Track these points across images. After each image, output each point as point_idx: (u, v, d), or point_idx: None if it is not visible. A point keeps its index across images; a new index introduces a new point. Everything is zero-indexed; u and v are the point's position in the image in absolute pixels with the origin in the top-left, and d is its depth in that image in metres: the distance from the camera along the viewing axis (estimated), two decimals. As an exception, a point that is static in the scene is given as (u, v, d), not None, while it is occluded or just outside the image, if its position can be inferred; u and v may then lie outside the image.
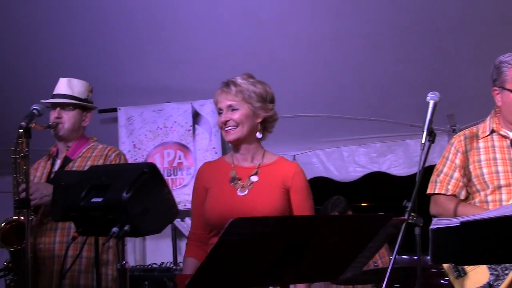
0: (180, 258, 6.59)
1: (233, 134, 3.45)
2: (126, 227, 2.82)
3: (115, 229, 2.83)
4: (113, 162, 4.07)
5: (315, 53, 6.35)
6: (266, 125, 3.55)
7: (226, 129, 3.46)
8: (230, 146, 6.54)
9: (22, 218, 3.86)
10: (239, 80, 3.48)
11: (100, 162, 4.09)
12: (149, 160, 6.81)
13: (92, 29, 6.33)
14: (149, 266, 6.03)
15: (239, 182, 3.46)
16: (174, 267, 6.13)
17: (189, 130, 6.93)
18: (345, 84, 6.60)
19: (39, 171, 4.25)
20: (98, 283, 3.38)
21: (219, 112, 3.49)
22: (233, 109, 3.44)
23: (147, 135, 6.99)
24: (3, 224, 3.90)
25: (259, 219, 2.59)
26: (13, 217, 3.90)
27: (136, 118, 7.05)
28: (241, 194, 3.43)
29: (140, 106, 7.04)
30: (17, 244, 3.85)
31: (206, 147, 6.81)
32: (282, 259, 2.57)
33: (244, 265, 2.54)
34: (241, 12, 6.14)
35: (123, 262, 2.94)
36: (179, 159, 6.88)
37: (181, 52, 6.55)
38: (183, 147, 6.92)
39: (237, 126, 3.44)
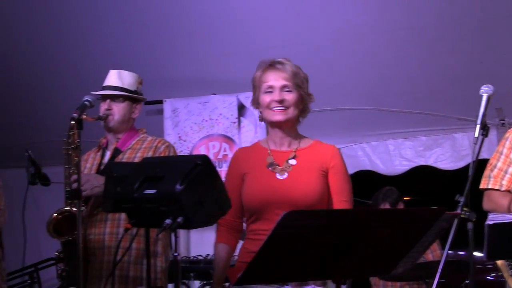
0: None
1: (284, 115, 3.41)
2: (179, 219, 2.82)
3: (168, 221, 2.83)
4: (162, 154, 4.08)
5: (361, 45, 6.31)
6: (302, 114, 3.53)
7: (275, 108, 3.41)
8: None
9: (74, 209, 3.89)
10: (290, 63, 3.48)
11: (150, 154, 4.10)
12: (194, 152, 6.83)
13: (139, 21, 6.37)
14: (195, 258, 6.04)
15: (277, 166, 3.43)
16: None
17: (234, 122, 6.94)
18: (391, 77, 6.54)
19: (89, 162, 4.29)
20: (149, 274, 3.38)
21: (268, 90, 3.44)
22: (288, 90, 3.42)
23: (192, 127, 7.01)
24: (55, 215, 3.93)
25: (312, 212, 2.59)
26: (65, 208, 3.93)
27: (181, 110, 7.07)
28: (281, 178, 3.40)
29: (185, 98, 7.06)
30: (69, 235, 3.89)
31: (251, 139, 6.79)
32: (334, 253, 2.55)
33: (296, 259, 2.53)
34: (288, 4, 6.12)
35: (175, 254, 2.96)
36: (224, 151, 6.88)
37: (227, 44, 6.55)
38: (228, 139, 6.92)
39: (287, 108, 3.41)
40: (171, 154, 4.13)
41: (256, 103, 3.52)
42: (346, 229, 2.50)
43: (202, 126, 7.00)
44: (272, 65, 3.49)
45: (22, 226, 3.98)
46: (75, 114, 3.74)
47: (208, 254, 6.15)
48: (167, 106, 7.04)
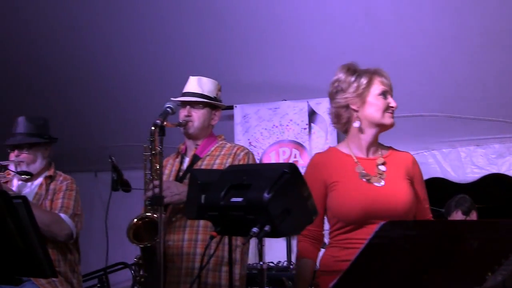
0: (293, 257, 6.57)
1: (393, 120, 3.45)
2: (267, 228, 2.80)
3: (255, 229, 2.81)
4: (241, 161, 4.07)
5: (433, 51, 6.25)
6: None
7: (390, 112, 3.43)
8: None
9: (155, 215, 3.91)
10: None
11: (229, 160, 4.10)
12: (264, 158, 6.83)
13: (210, 28, 6.42)
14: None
15: (370, 174, 3.39)
16: (291, 267, 6.10)
17: (305, 129, 6.92)
18: (464, 84, 6.44)
19: (168, 169, 4.31)
20: (231, 282, 3.38)
21: (382, 93, 3.43)
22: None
23: (262, 133, 7.02)
24: (135, 220, 3.95)
25: (411, 223, 2.55)
26: (146, 214, 3.95)
27: (252, 116, 7.09)
28: (379, 185, 3.35)
29: (256, 104, 7.08)
30: (148, 241, 3.90)
31: (322, 146, 6.77)
32: (427, 264, 2.52)
33: (389, 270, 2.50)
34: (360, 11, 6.09)
35: (261, 263, 2.94)
36: (295, 157, 6.87)
37: (298, 50, 6.55)
38: (299, 146, 6.90)
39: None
40: (250, 161, 4.12)
41: (356, 103, 3.44)
42: (440, 240, 2.46)
43: (273, 132, 7.00)
44: (377, 69, 3.51)
45: (105, 230, 3.97)
46: (158, 121, 3.75)
47: (279, 261, 6.13)
48: (238, 111, 7.06)
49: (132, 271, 7.39)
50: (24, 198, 3.14)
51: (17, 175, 4.54)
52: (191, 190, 3.45)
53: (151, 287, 3.93)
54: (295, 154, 6.88)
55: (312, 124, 6.89)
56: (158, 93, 6.74)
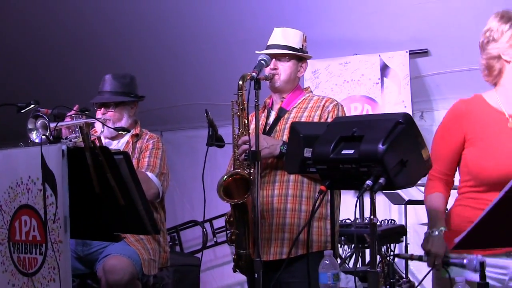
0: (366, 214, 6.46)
1: None
2: (381, 180, 2.73)
3: (369, 182, 2.74)
4: (330, 113, 3.95)
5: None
6: None
7: None
8: (418, 100, 6.40)
9: (245, 171, 3.84)
10: None
11: (317, 113, 3.99)
12: (336, 114, 6.73)
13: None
14: (343, 222, 5.93)
15: None
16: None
17: (377, 83, 6.77)
18: None
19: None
20: (333, 237, 3.31)
21: None
22: None
23: (333, 88, 6.88)
24: (225, 177, 3.88)
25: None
26: (236, 171, 3.89)
27: (322, 72, 6.96)
28: None
29: (326, 59, 6.93)
30: (239, 198, 3.83)
31: (394, 101, 6.63)
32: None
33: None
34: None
35: (371, 217, 2.85)
36: (367, 112, 6.72)
37: (369, 3, 6.41)
38: (371, 101, 6.76)
39: None
40: (340, 113, 4.01)
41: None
42: None
43: (344, 88, 6.87)
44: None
45: (202, 186, 3.92)
46: (253, 73, 3.66)
47: (357, 218, 6.04)
48: (308, 67, 6.90)
49: (204, 229, 7.42)
50: (125, 154, 3.09)
51: (104, 133, 4.50)
52: (292, 144, 3.37)
53: (242, 244, 3.88)
54: (367, 110, 6.74)
55: (385, 79, 6.73)
56: (224, 51, 6.74)
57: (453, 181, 3.40)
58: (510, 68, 3.23)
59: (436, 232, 3.23)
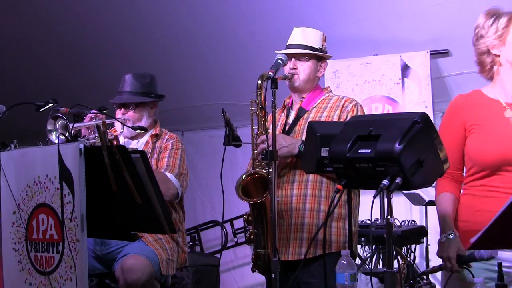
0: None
1: None
2: (398, 180, 2.70)
3: (386, 182, 2.72)
4: (350, 113, 3.94)
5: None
6: None
7: None
8: (439, 100, 6.35)
9: (263, 171, 3.83)
10: None
11: (337, 113, 3.97)
12: (356, 115, 6.72)
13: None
14: (363, 222, 5.90)
15: None
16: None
17: (397, 84, 6.74)
18: None
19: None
20: (350, 237, 3.29)
21: None
22: None
23: (354, 88, 6.87)
24: (244, 177, 3.87)
25: None
26: (254, 170, 3.88)
27: (343, 72, 6.94)
28: None
29: (347, 59, 6.91)
30: (257, 197, 3.82)
31: (415, 101, 6.60)
32: None
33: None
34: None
35: (388, 217, 2.83)
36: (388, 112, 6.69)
37: (390, 3, 6.40)
38: (392, 101, 6.74)
39: None
40: (359, 112, 3.99)
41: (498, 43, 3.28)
42: None
43: (364, 88, 6.85)
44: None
45: (221, 186, 3.91)
46: (270, 73, 3.65)
47: (376, 219, 6.01)
48: (328, 67, 6.88)
49: (224, 229, 7.43)
50: (142, 153, 3.10)
51: (124, 133, 4.52)
52: (309, 143, 3.35)
53: (260, 243, 3.86)
54: (388, 110, 6.71)
55: (405, 79, 6.70)
56: (244, 51, 6.74)
57: (462, 176, 3.40)
58: (500, 60, 3.29)
59: (445, 238, 3.23)
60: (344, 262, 3.08)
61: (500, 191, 3.12)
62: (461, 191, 3.39)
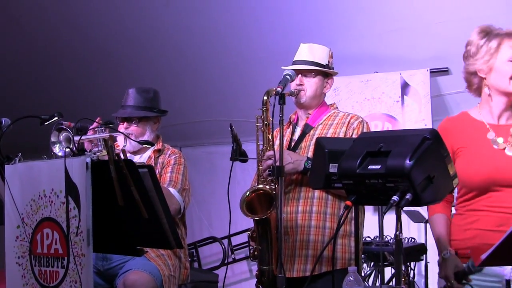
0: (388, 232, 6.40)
1: None
2: (408, 196, 2.69)
3: (395, 198, 2.71)
4: (355, 130, 3.95)
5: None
6: None
7: None
8: (438, 118, 6.36)
9: (267, 187, 3.82)
10: None
11: (343, 129, 3.98)
12: (356, 132, 6.72)
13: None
14: (364, 239, 5.88)
15: (501, 142, 3.27)
16: (390, 241, 5.94)
17: (397, 101, 6.75)
18: None
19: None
20: (357, 254, 3.28)
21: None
22: None
23: (353, 106, 6.87)
24: (248, 193, 3.86)
25: None
26: (259, 186, 3.87)
27: (342, 89, 6.96)
28: (510, 154, 3.24)
29: (347, 76, 6.91)
30: (262, 213, 3.81)
31: (415, 119, 6.61)
32: None
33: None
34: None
35: (398, 233, 2.82)
36: (387, 130, 6.70)
37: (391, 21, 6.43)
38: (391, 118, 6.75)
39: None
40: (365, 129, 3.99)
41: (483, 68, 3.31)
42: None
43: (364, 105, 6.86)
44: (511, 33, 3.28)
45: (227, 200, 3.90)
46: (278, 89, 3.65)
47: (376, 236, 6.00)
48: (328, 84, 6.93)
49: (222, 245, 7.41)
50: (150, 167, 3.08)
51: (127, 147, 4.49)
52: (317, 159, 3.35)
53: (265, 259, 3.85)
54: (388, 128, 6.71)
55: (405, 97, 6.72)
56: (246, 68, 6.76)
57: (453, 197, 3.45)
58: (487, 83, 3.31)
59: (441, 258, 3.28)
60: (351, 279, 3.05)
61: (488, 210, 3.19)
62: (453, 211, 3.44)
